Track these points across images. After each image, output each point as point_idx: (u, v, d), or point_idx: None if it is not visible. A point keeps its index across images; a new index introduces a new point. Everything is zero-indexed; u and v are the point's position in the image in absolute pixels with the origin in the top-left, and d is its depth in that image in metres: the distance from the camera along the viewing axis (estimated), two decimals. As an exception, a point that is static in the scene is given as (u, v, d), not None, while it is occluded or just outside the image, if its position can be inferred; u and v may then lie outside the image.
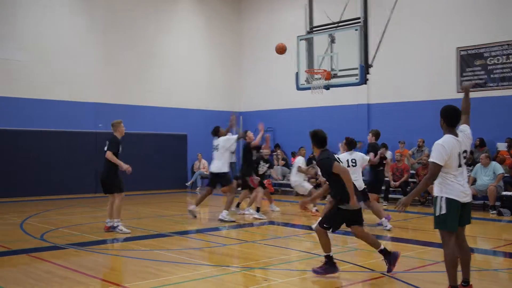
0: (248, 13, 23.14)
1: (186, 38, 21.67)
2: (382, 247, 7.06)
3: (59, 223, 11.59)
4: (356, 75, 12.43)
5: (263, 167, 14.11)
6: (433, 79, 17.04)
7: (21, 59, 17.27)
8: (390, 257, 6.99)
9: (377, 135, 11.70)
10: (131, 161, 19.01)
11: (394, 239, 10.03)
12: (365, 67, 12.31)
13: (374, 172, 11.59)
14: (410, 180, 16.04)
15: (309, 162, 16.79)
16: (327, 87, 13.14)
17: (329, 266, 6.93)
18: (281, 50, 12.86)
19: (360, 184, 10.56)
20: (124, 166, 10.16)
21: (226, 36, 22.95)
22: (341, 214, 6.92)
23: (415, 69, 17.53)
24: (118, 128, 10.57)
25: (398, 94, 17.89)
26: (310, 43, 13.52)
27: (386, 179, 16.34)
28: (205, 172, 20.70)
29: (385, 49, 14.27)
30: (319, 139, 7.10)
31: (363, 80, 12.42)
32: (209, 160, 20.95)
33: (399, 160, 15.99)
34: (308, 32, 13.67)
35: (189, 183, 20.82)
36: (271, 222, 12.11)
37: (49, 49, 17.89)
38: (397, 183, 15.68)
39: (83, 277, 6.87)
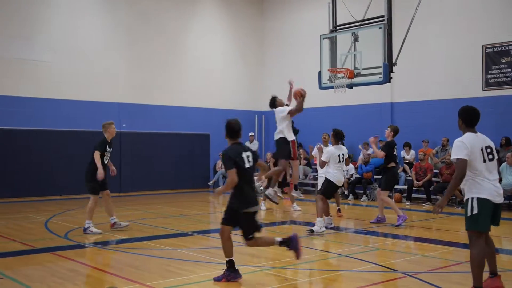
0: (271, 12, 23.11)
1: (209, 38, 21.72)
2: (279, 239, 6.74)
3: (83, 222, 11.68)
4: (379, 73, 12.33)
5: None
6: (458, 77, 16.80)
7: (49, 60, 17.52)
8: (292, 244, 6.68)
9: (395, 131, 11.47)
10: (154, 160, 19.48)
11: (417, 239, 9.94)
12: (389, 66, 12.20)
13: (385, 169, 11.45)
14: (433, 179, 15.88)
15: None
16: (350, 86, 13.05)
17: (231, 272, 6.60)
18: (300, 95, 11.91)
19: (340, 179, 10.67)
20: (100, 172, 10.13)
21: (249, 35, 22.96)
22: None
23: (439, 67, 17.30)
24: (108, 129, 10.60)
25: (423, 93, 17.68)
26: (333, 41, 13.46)
27: (409, 178, 16.22)
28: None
29: (409, 47, 14.15)
30: (230, 130, 6.70)
31: (387, 79, 12.31)
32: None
33: (422, 160, 15.83)
34: (331, 31, 13.60)
35: (211, 182, 20.88)
36: (293, 222, 12.09)
37: (75, 50, 18.08)
38: (420, 183, 15.52)
39: (106, 275, 6.94)
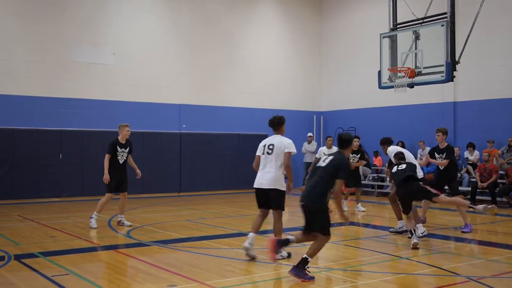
0: (329, 12, 22.94)
1: (267, 39, 21.79)
2: None
3: (144, 221, 11.99)
4: (442, 72, 12.00)
5: (353, 159, 13.99)
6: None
7: (112, 63, 18.08)
8: None
9: (447, 133, 11.09)
10: (213, 160, 19.68)
11: (481, 243, 9.62)
12: (452, 64, 11.86)
13: (453, 175, 11.01)
14: (499, 181, 15.32)
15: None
16: (411, 85, 12.78)
17: None
18: None
19: None
20: (106, 176, 10.94)
21: (307, 36, 22.87)
22: None
23: (506, 64, 16.64)
24: (121, 131, 11.20)
25: (488, 91, 17.06)
26: (393, 40, 13.21)
27: (473, 180, 15.72)
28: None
29: (474, 44, 13.72)
30: None
31: (450, 78, 11.96)
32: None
33: (487, 161, 15.28)
34: (392, 29, 13.36)
35: (269, 182, 20.87)
36: (352, 223, 11.95)
37: (137, 54, 18.57)
38: (485, 184, 15.01)
39: (166, 273, 7.06)
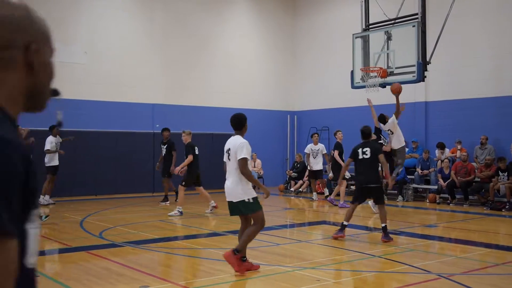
0: (302, 11, 23.03)
1: (241, 38, 21.77)
2: None
3: (117, 221, 11.87)
4: (413, 72, 12.17)
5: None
6: (495, 75, 16.38)
7: (84, 62, 17.87)
8: None
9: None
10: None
11: (453, 240, 9.77)
12: (423, 64, 12.03)
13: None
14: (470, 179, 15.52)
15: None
16: (383, 85, 12.93)
17: None
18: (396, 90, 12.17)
19: None
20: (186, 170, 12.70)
21: (280, 35, 22.92)
22: None
23: (476, 65, 16.85)
24: (189, 136, 13.71)
25: (458, 91, 17.27)
26: (365, 40, 13.34)
27: (443, 179, 15.92)
28: (259, 173, 20.66)
29: (444, 44, 13.90)
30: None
31: (421, 77, 12.14)
32: (263, 160, 21.13)
33: (465, 161, 15.40)
34: (364, 30, 13.49)
35: (244, 182, 20.86)
36: (325, 222, 12.02)
37: (109, 53, 18.38)
38: (457, 183, 15.16)
39: (139, 274, 7.00)
